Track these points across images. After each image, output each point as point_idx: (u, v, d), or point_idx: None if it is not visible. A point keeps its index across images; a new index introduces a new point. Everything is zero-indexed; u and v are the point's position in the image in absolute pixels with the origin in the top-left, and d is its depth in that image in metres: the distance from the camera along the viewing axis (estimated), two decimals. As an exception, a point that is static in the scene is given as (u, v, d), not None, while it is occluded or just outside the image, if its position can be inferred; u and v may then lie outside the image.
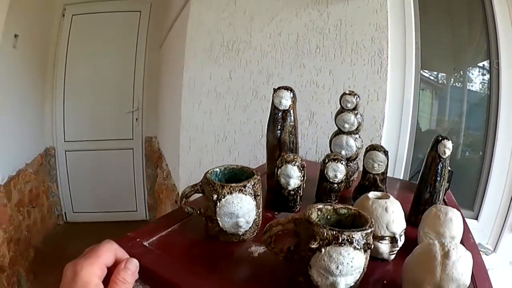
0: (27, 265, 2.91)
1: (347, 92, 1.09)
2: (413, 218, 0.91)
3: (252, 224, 0.74)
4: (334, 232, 0.52)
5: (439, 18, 1.83)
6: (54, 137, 3.75)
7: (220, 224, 0.71)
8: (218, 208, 0.70)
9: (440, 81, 1.94)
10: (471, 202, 1.77)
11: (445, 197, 1.04)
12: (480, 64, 1.81)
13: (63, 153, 3.79)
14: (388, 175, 1.02)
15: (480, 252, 1.56)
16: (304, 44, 1.68)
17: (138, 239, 0.70)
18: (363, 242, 0.53)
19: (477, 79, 1.85)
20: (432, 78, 1.93)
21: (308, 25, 1.67)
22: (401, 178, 1.62)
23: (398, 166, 1.64)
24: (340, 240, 0.52)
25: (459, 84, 1.91)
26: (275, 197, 0.92)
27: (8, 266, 2.60)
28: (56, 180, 3.80)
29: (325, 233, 0.52)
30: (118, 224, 3.73)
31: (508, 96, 1.63)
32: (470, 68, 1.86)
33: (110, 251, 0.54)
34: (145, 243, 0.70)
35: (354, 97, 1.07)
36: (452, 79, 1.93)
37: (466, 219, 1.11)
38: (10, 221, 2.75)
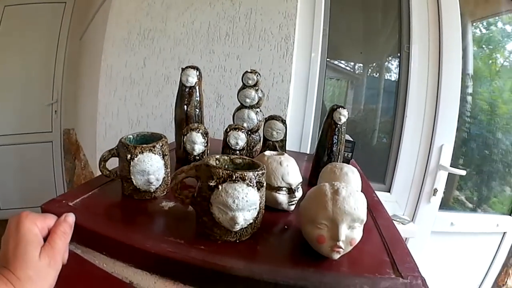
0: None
1: (248, 70, 1.20)
2: (313, 180, 1.01)
3: (162, 182, 0.82)
4: (228, 171, 0.62)
5: (354, 5, 1.98)
6: (-25, 132, 3.48)
7: (134, 182, 0.78)
8: (131, 167, 0.77)
9: (357, 72, 2.10)
10: (382, 175, 1.93)
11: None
12: (396, 55, 1.99)
13: (-15, 149, 3.53)
14: (295, 150, 1.13)
15: (396, 221, 1.70)
16: (215, 31, 1.77)
17: (64, 201, 0.75)
18: (255, 180, 0.63)
19: (391, 68, 2.03)
20: (348, 68, 2.10)
21: (220, 14, 1.77)
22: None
23: (304, 144, 1.79)
24: (234, 177, 0.62)
25: (376, 73, 2.08)
26: (183, 164, 1.00)
27: None
28: (-19, 177, 3.54)
29: (221, 173, 0.62)
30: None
31: (418, 75, 1.82)
32: (385, 57, 2.03)
33: (55, 218, 0.61)
34: (71, 204, 0.75)
35: (254, 74, 1.18)
36: (369, 70, 2.10)
37: (379, 192, 1.24)
38: None
